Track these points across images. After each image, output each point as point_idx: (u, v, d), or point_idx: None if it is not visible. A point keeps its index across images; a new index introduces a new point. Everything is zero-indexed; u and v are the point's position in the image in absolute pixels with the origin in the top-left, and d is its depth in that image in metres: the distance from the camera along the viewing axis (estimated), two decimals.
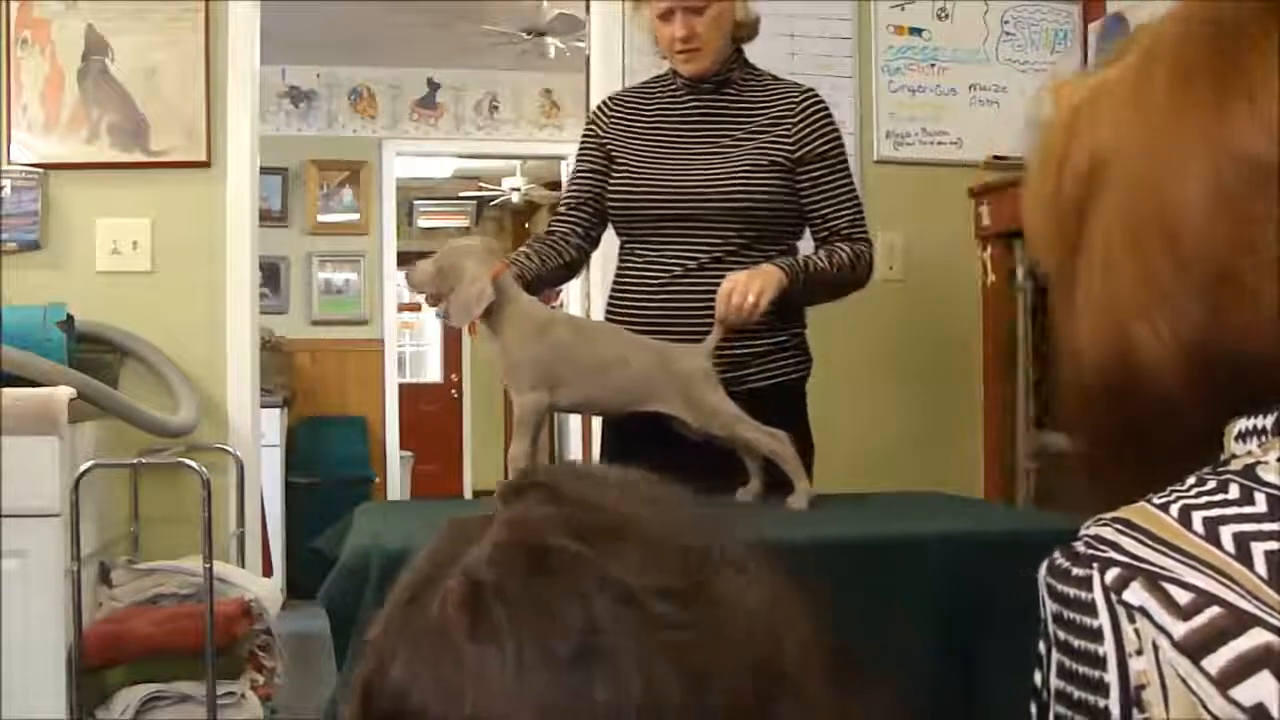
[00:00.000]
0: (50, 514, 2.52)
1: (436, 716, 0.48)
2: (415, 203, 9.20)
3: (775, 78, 2.30)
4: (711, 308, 2.01)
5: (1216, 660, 0.52)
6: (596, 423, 2.81)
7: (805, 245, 2.28)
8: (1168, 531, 0.57)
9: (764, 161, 2.17)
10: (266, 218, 4.51)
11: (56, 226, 3.09)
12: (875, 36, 3.36)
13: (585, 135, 2.37)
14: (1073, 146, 0.69)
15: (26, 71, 3.07)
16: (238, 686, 2.69)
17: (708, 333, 2.00)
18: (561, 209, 2.35)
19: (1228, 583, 0.54)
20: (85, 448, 2.73)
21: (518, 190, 8.64)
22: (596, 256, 2.55)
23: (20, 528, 2.48)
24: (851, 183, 2.25)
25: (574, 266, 2.33)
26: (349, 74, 6.41)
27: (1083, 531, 0.60)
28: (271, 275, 6.17)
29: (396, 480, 6.56)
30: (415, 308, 9.14)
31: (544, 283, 2.28)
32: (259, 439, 3.31)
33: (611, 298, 2.30)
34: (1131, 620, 0.55)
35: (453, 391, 9.94)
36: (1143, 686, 0.54)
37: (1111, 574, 0.56)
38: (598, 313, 2.86)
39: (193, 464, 2.71)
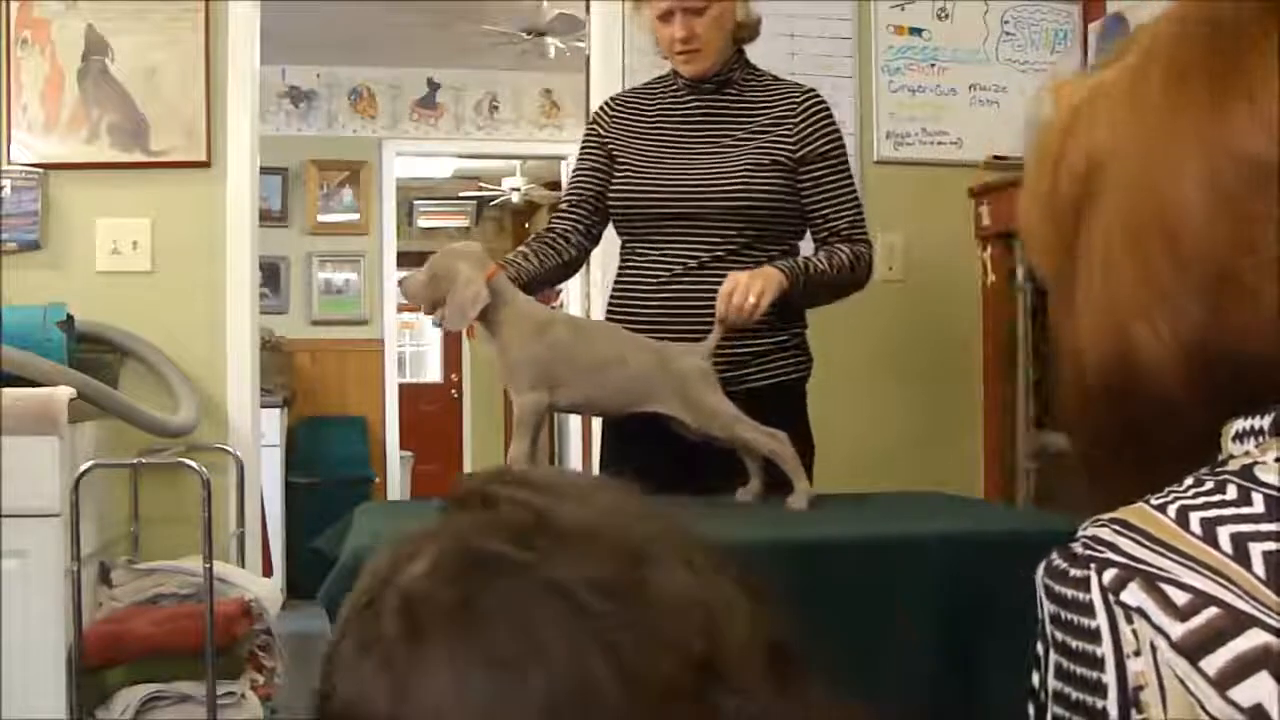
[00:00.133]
0: (50, 514, 2.52)
1: None
2: (415, 203, 9.19)
3: (776, 78, 2.31)
4: (712, 307, 2.01)
5: (1215, 661, 0.52)
6: (596, 423, 2.81)
7: (806, 245, 2.28)
8: (1165, 532, 0.57)
9: (765, 161, 2.18)
10: (266, 218, 4.51)
11: (56, 226, 3.09)
12: (875, 36, 3.36)
13: (587, 135, 2.37)
14: (1069, 147, 0.69)
15: (26, 71, 3.07)
16: (238, 686, 2.69)
17: (708, 331, 2.00)
18: (563, 206, 2.35)
19: (1225, 583, 0.54)
20: (85, 448, 2.73)
21: (518, 190, 8.64)
22: (597, 255, 2.55)
23: (20, 528, 2.48)
24: (852, 183, 2.25)
25: (574, 265, 2.33)
26: (349, 74, 6.41)
27: (1080, 532, 0.60)
28: (271, 275, 6.17)
29: (396, 480, 6.56)
30: (415, 308, 9.13)
31: (543, 281, 2.28)
32: (259, 439, 3.31)
33: (612, 296, 2.30)
34: (1129, 621, 0.55)
35: (453, 391, 9.95)
36: (1141, 687, 0.54)
37: (1109, 575, 0.56)
38: (598, 313, 2.86)
39: (193, 464, 2.71)
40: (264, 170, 3.59)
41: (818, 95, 2.26)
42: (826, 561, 1.61)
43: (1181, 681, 0.53)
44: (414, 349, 10.42)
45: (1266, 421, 0.60)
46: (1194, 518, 0.57)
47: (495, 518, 0.53)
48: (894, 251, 3.29)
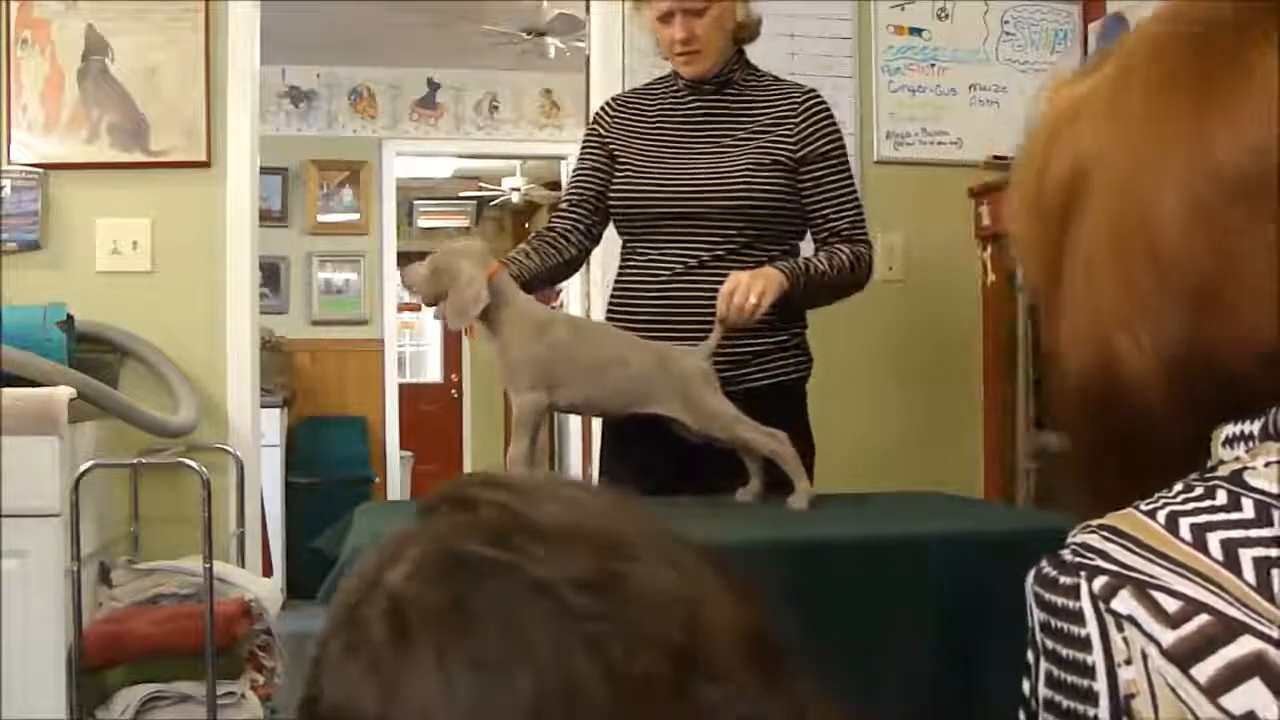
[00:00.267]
0: (50, 514, 2.52)
1: None
2: (415, 203, 9.19)
3: (777, 78, 2.31)
4: (712, 307, 2.01)
5: (1206, 669, 0.52)
6: (596, 423, 2.81)
7: (806, 245, 2.28)
8: (1155, 539, 0.57)
9: (766, 160, 2.18)
10: (266, 218, 4.51)
11: (56, 226, 3.09)
12: (875, 36, 3.36)
13: (588, 135, 2.37)
14: (1054, 153, 0.68)
15: (26, 71, 3.07)
16: (238, 686, 2.69)
17: (708, 330, 2.00)
18: (563, 205, 2.35)
19: (1216, 590, 0.53)
20: (85, 448, 2.73)
21: (518, 190, 8.63)
22: (597, 255, 2.55)
23: (20, 528, 2.48)
24: (853, 184, 2.25)
25: (574, 264, 2.33)
26: (349, 74, 6.41)
27: (1070, 539, 0.59)
28: (271, 275, 6.17)
29: (396, 480, 6.56)
30: (415, 308, 9.13)
31: (543, 280, 2.28)
32: (259, 439, 3.31)
33: (613, 296, 2.31)
34: (1120, 629, 0.54)
35: (453, 391, 9.94)
36: (1132, 695, 0.53)
37: (1099, 582, 0.56)
38: (598, 313, 2.86)
39: (193, 464, 2.70)
40: (264, 170, 3.59)
41: (818, 95, 2.26)
42: (826, 561, 1.61)
43: (1173, 689, 0.52)
44: (414, 349, 10.42)
45: (1256, 427, 0.59)
46: (1184, 523, 0.57)
47: (474, 519, 0.54)
48: (894, 251, 3.29)
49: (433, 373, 10.36)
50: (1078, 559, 0.57)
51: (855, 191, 2.25)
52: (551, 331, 1.94)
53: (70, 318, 2.81)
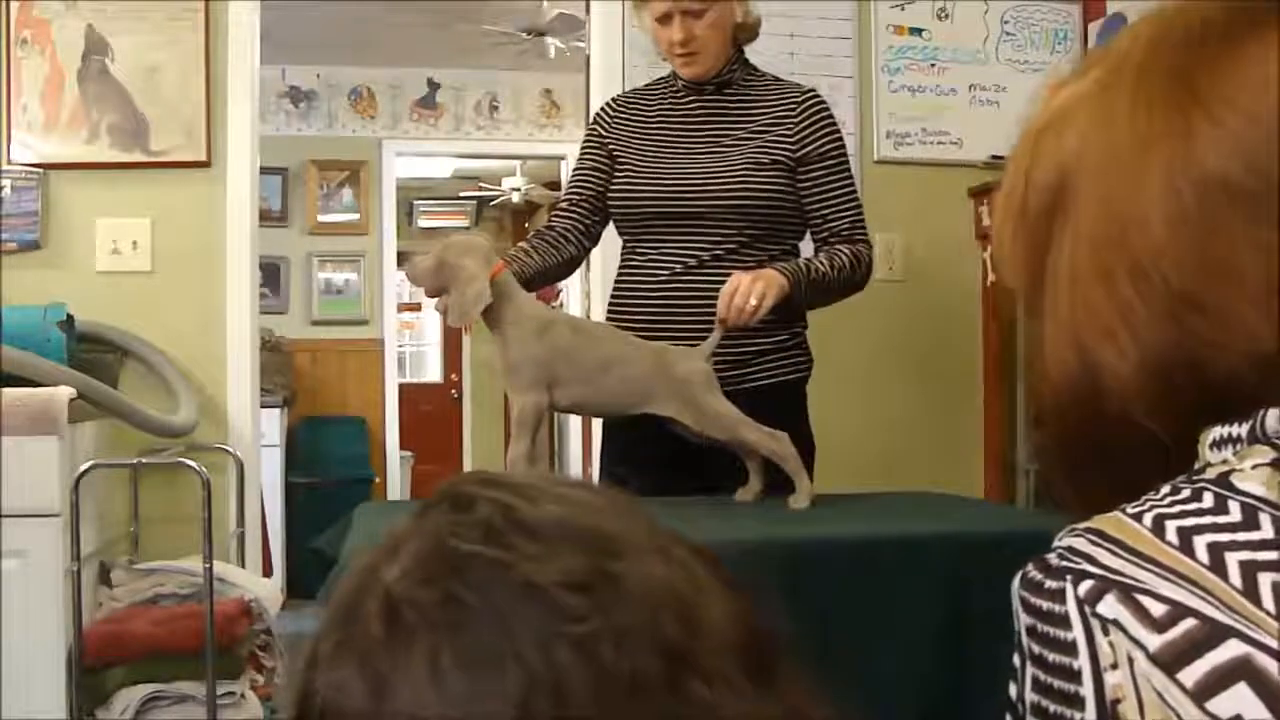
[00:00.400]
0: (50, 514, 2.52)
1: None
2: (415, 203, 9.19)
3: (776, 78, 2.31)
4: (712, 306, 2.01)
5: (1192, 673, 0.51)
6: (597, 423, 2.81)
7: (806, 245, 2.28)
8: (1141, 542, 0.56)
9: (765, 160, 2.18)
10: (266, 218, 4.51)
11: (56, 226, 3.09)
12: (875, 36, 3.36)
13: (588, 135, 2.37)
14: (1039, 157, 0.68)
15: (26, 71, 3.07)
16: (238, 686, 2.69)
17: (708, 330, 2.00)
18: (563, 204, 2.35)
19: (1202, 594, 0.53)
20: (85, 448, 2.73)
21: (518, 190, 8.63)
22: (597, 255, 2.55)
23: (20, 528, 2.48)
24: (853, 184, 2.25)
25: (573, 263, 2.33)
26: (349, 74, 6.41)
27: (1056, 542, 0.59)
28: (271, 275, 6.17)
29: (396, 480, 6.56)
30: (415, 307, 9.14)
31: (543, 279, 2.28)
32: (259, 439, 3.31)
33: (613, 296, 2.31)
34: (1106, 633, 0.54)
35: (453, 391, 9.94)
36: (1118, 700, 0.53)
37: (1085, 586, 0.55)
38: (598, 312, 2.86)
39: (193, 464, 2.70)
40: (264, 170, 3.59)
41: (817, 95, 2.26)
42: (826, 561, 1.61)
43: (1159, 694, 0.52)
44: (414, 349, 10.42)
45: (1244, 429, 0.59)
46: (1170, 527, 0.56)
47: (471, 517, 0.54)
48: (894, 251, 3.29)
49: (433, 373, 10.35)
50: (1063, 563, 0.57)
51: (855, 191, 2.25)
52: (552, 332, 1.94)
53: (70, 318, 2.81)
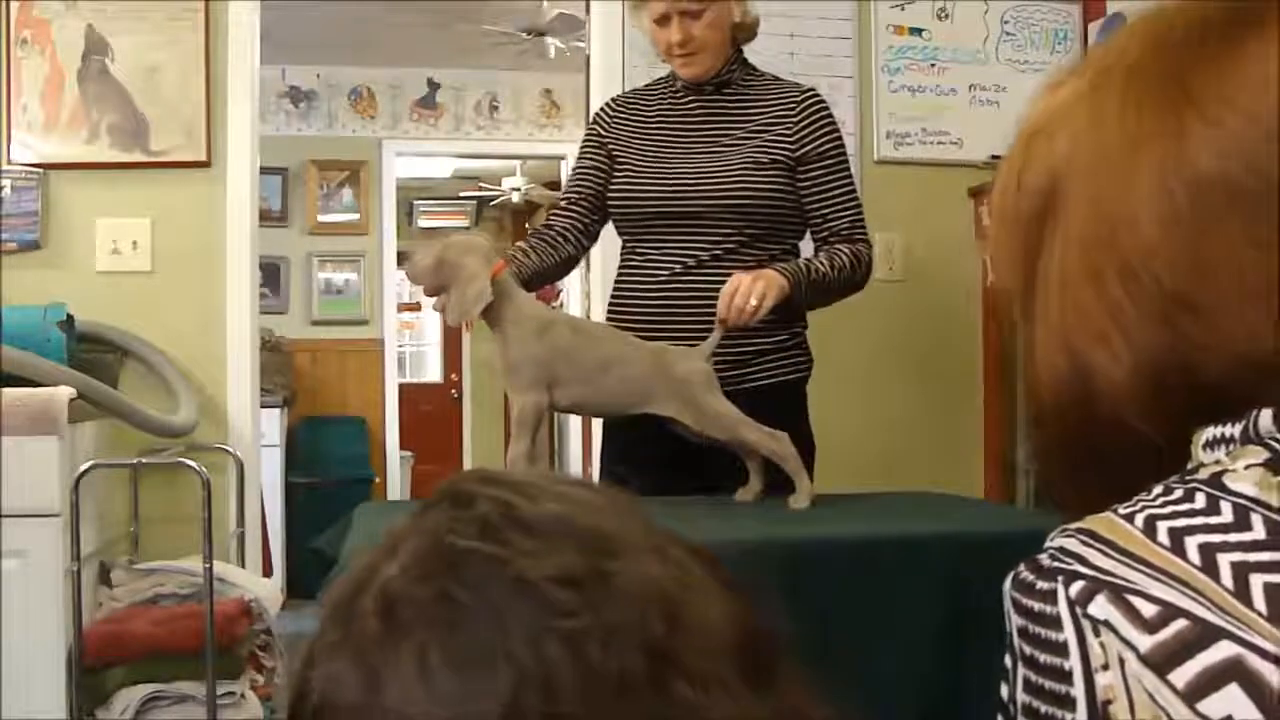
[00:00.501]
0: (50, 514, 2.52)
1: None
2: (415, 203, 9.19)
3: (776, 78, 2.31)
4: (712, 306, 2.01)
5: (1184, 674, 0.51)
6: (597, 423, 2.81)
7: (806, 244, 2.28)
8: (1133, 543, 0.56)
9: (765, 159, 2.18)
10: (266, 218, 4.51)
11: (56, 226, 3.09)
12: (875, 36, 3.36)
13: (587, 135, 2.38)
14: (1031, 159, 0.68)
15: (26, 71, 3.07)
16: (238, 686, 2.69)
17: (708, 329, 2.00)
18: (562, 204, 2.35)
19: (1194, 595, 0.53)
20: (85, 448, 2.73)
21: (518, 190, 8.63)
22: (597, 255, 2.55)
23: (20, 528, 2.48)
24: (852, 183, 2.25)
25: (572, 262, 2.33)
26: (349, 74, 6.41)
27: (1048, 543, 0.59)
28: (271, 275, 6.17)
29: (396, 480, 6.56)
30: (415, 307, 9.14)
31: (542, 279, 2.28)
32: (259, 439, 3.31)
33: (613, 296, 2.31)
34: (1097, 634, 0.54)
35: (453, 391, 9.94)
36: (1109, 701, 0.53)
37: (1076, 587, 0.55)
38: (598, 312, 2.86)
39: (193, 464, 2.70)
40: (264, 170, 3.59)
41: (817, 95, 2.26)
42: (826, 561, 1.61)
43: (1150, 695, 0.52)
44: (414, 349, 10.42)
45: (1237, 430, 0.59)
46: (1162, 527, 0.56)
47: (467, 514, 0.54)
48: (894, 251, 3.29)
49: (433, 373, 10.35)
50: (1055, 563, 0.57)
51: (855, 191, 2.25)
52: (552, 331, 1.94)
53: (70, 318, 2.81)
